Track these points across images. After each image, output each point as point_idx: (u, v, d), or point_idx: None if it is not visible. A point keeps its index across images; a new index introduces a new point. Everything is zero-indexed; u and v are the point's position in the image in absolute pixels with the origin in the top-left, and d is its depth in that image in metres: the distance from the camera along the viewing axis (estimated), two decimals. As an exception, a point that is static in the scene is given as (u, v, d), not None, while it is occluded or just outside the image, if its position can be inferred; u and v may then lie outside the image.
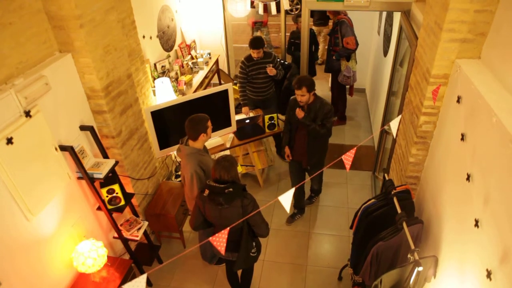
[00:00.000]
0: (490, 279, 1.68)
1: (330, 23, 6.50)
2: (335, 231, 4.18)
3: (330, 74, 5.83)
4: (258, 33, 8.32)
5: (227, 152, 4.51)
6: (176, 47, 5.44)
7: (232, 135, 4.43)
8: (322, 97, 3.61)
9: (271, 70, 4.46)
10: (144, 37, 4.39)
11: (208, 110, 4.04)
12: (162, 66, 4.80)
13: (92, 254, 2.76)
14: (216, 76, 6.10)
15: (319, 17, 7.36)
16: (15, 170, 2.25)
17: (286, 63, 5.24)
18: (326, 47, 5.91)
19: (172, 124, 3.90)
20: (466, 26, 2.16)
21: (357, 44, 5.16)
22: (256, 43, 4.36)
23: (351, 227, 3.00)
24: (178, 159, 4.20)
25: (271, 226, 4.24)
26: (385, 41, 5.08)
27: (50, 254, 2.67)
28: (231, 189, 2.56)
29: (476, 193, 1.90)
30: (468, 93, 2.07)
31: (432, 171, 2.64)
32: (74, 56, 2.79)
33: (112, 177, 3.05)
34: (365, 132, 5.85)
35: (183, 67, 5.23)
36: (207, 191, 2.63)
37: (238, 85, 4.76)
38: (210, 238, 1.99)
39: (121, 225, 3.31)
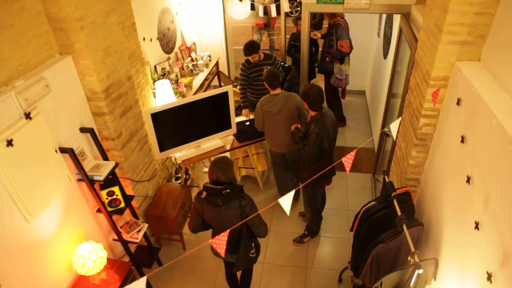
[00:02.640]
0: (491, 282, 1.68)
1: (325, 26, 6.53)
2: (335, 233, 4.17)
3: (323, 76, 5.83)
4: (257, 36, 8.32)
5: (227, 154, 4.51)
6: (176, 49, 5.45)
7: (232, 137, 4.43)
8: (324, 118, 3.30)
9: None
10: (144, 39, 4.40)
11: (208, 112, 4.07)
12: (162, 68, 4.81)
13: (92, 256, 2.75)
14: (216, 78, 6.10)
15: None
16: (15, 172, 2.24)
17: (286, 65, 5.25)
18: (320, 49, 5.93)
19: (172, 126, 3.90)
20: (465, 29, 2.16)
21: (351, 47, 5.16)
22: (248, 50, 4.34)
23: (351, 230, 3.00)
24: (179, 161, 4.20)
25: (271, 229, 4.24)
26: (385, 43, 5.09)
27: (50, 256, 2.66)
28: (228, 190, 2.56)
29: (476, 195, 1.90)
30: (468, 95, 2.08)
31: (432, 173, 2.64)
32: (74, 58, 2.79)
33: (112, 179, 3.05)
34: (365, 134, 5.85)
35: (183, 69, 5.24)
36: (204, 193, 2.63)
37: (238, 87, 4.76)
38: (210, 241, 1.99)
39: (121, 227, 3.31)
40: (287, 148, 4.01)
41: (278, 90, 3.78)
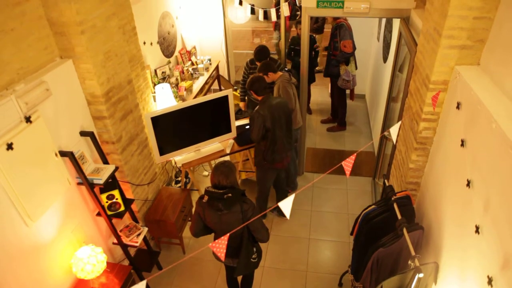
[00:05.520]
0: (492, 286, 1.68)
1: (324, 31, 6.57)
2: (335, 237, 4.17)
3: (330, 80, 5.86)
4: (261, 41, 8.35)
5: (227, 158, 4.51)
6: (176, 53, 5.47)
7: (232, 141, 4.43)
8: (269, 101, 3.59)
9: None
10: (144, 43, 4.41)
11: (208, 116, 4.07)
12: (163, 72, 4.82)
13: (91, 260, 2.74)
14: (216, 82, 6.12)
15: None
16: (15, 175, 2.24)
17: (286, 69, 5.26)
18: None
19: (173, 130, 3.90)
20: (465, 33, 2.17)
21: (354, 48, 5.19)
22: (261, 55, 4.43)
23: (351, 233, 2.99)
24: (179, 165, 4.20)
25: (271, 232, 4.23)
26: (384, 47, 5.11)
27: (49, 260, 2.66)
28: (230, 195, 2.55)
29: (476, 199, 1.90)
30: (468, 99, 2.08)
31: (432, 177, 2.64)
32: (75, 62, 2.80)
33: (112, 183, 3.05)
34: (365, 138, 5.86)
35: (183, 73, 5.25)
36: (206, 197, 2.63)
37: (240, 86, 4.83)
38: (210, 244, 1.99)
39: (120, 231, 3.30)
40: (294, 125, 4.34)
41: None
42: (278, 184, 4.32)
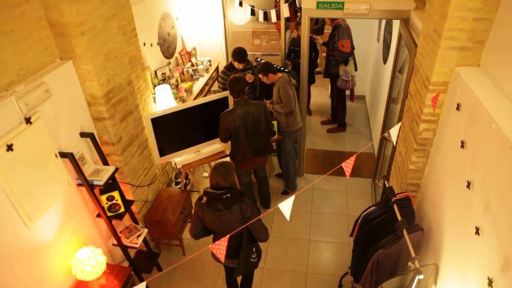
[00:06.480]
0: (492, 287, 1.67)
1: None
2: (335, 239, 4.16)
3: (330, 80, 5.86)
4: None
5: (227, 159, 4.51)
6: (176, 54, 5.47)
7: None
8: (240, 108, 3.60)
9: (250, 78, 4.54)
10: (144, 44, 4.41)
11: (208, 117, 4.07)
12: (163, 73, 4.82)
13: (91, 261, 2.74)
14: (216, 83, 6.11)
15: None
16: (15, 176, 2.24)
17: (286, 70, 5.26)
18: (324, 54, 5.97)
19: (173, 131, 3.90)
20: (465, 34, 2.17)
21: (352, 47, 5.19)
22: (243, 56, 4.49)
23: (351, 235, 2.99)
24: (179, 166, 4.20)
25: (270, 234, 4.23)
26: (384, 48, 5.11)
27: (49, 261, 2.65)
28: (229, 195, 2.56)
29: (476, 200, 1.90)
30: (468, 100, 2.08)
31: (432, 179, 2.63)
32: (75, 63, 2.80)
33: (112, 184, 3.04)
34: (365, 139, 5.86)
35: (183, 74, 5.25)
36: (205, 198, 2.63)
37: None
38: (210, 246, 1.98)
39: (120, 232, 3.30)
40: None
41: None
42: (258, 182, 4.43)
